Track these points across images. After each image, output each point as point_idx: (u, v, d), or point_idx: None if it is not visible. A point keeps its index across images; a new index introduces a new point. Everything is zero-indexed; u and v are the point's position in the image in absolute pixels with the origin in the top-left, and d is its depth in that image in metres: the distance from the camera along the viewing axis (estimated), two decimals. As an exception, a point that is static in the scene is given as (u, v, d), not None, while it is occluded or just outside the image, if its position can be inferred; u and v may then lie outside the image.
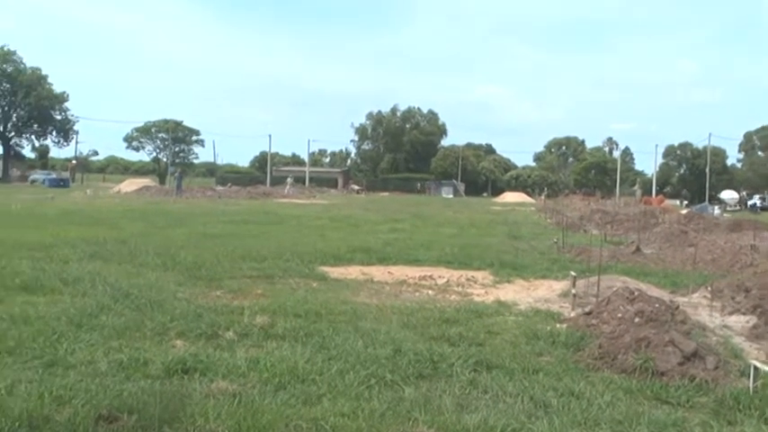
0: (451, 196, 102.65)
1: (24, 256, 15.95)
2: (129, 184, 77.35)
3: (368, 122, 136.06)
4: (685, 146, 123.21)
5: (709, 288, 13.64)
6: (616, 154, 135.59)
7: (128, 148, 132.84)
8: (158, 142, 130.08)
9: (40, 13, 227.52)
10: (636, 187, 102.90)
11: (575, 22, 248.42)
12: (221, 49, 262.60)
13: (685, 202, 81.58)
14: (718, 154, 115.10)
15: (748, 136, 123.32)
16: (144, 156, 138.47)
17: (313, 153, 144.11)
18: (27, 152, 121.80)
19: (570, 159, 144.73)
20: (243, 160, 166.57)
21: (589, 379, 7.83)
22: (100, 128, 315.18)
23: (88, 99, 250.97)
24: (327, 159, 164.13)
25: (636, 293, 10.37)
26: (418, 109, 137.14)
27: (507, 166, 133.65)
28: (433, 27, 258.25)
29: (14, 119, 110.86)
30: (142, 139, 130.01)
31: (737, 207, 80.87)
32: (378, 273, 16.11)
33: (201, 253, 17.68)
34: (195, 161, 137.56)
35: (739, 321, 11.59)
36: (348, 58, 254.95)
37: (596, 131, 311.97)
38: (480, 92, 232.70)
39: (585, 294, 12.67)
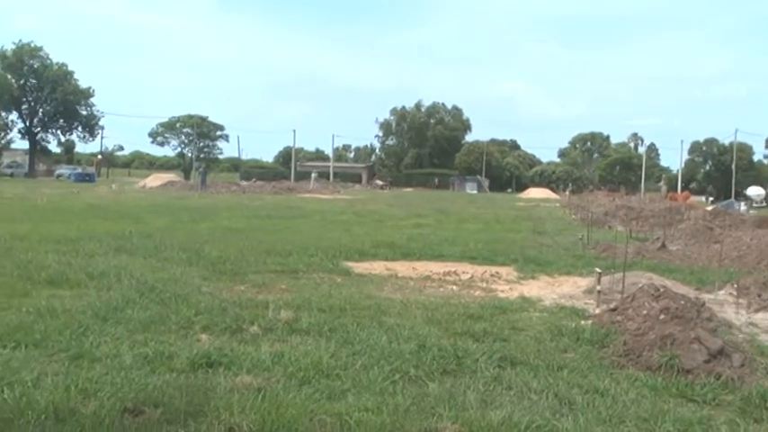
0: (475, 192, 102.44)
1: (50, 249, 16.07)
2: (154, 179, 77.81)
3: (392, 118, 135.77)
4: (711, 142, 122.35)
5: (735, 285, 13.53)
6: (641, 150, 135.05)
7: (153, 143, 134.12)
8: (183, 137, 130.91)
9: (66, 10, 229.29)
10: (661, 183, 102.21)
11: (599, 16, 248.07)
12: (246, 45, 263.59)
13: (711, 199, 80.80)
14: (745, 150, 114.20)
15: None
16: (169, 151, 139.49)
17: (337, 148, 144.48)
18: (53, 147, 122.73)
19: (595, 155, 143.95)
20: (267, 155, 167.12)
21: (614, 376, 7.78)
22: (125, 123, 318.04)
23: (114, 95, 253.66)
24: (352, 155, 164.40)
25: (661, 290, 10.28)
26: (442, 104, 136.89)
27: (532, 161, 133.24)
28: (457, 23, 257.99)
29: (41, 114, 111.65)
30: (167, 135, 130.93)
31: (764, 203, 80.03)
32: (402, 268, 16.09)
33: (226, 247, 17.72)
34: (220, 156, 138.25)
35: (766, 318, 11.50)
36: (373, 54, 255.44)
37: (621, 127, 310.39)
38: (505, 87, 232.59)
39: (610, 291, 12.60)
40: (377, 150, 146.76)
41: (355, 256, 17.45)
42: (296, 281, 13.69)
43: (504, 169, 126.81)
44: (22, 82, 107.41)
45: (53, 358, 7.59)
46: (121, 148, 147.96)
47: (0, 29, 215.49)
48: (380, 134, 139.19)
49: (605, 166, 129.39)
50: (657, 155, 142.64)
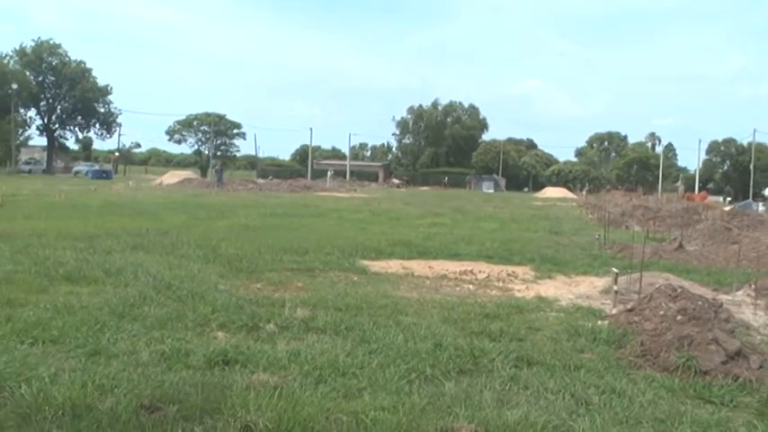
0: (492, 191, 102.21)
1: (68, 246, 16.14)
2: (171, 177, 78.22)
3: (409, 116, 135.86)
4: (729, 142, 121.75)
5: (754, 286, 13.44)
6: (659, 149, 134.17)
7: (170, 140, 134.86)
8: (200, 135, 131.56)
9: (85, 8, 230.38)
10: (678, 183, 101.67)
11: (616, 14, 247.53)
12: (263, 43, 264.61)
13: (729, 199, 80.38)
14: (763, 150, 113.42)
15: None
16: (186, 148, 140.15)
17: (354, 147, 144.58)
18: (71, 144, 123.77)
19: (612, 155, 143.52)
20: (284, 153, 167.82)
21: (631, 377, 7.76)
22: (142, 120, 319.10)
23: (131, 92, 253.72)
24: (368, 153, 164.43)
25: (678, 291, 10.24)
26: (459, 103, 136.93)
27: (549, 161, 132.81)
28: (474, 21, 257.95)
29: (59, 111, 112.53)
30: (184, 132, 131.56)
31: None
32: (418, 267, 16.08)
33: (242, 245, 17.75)
34: (237, 154, 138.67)
35: (784, 320, 11.43)
36: (390, 52, 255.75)
37: (638, 126, 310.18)
38: (522, 86, 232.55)
39: (627, 291, 12.57)
40: (393, 149, 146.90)
41: (372, 255, 17.43)
42: (312, 279, 13.70)
43: (521, 168, 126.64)
44: (40, 79, 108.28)
45: (70, 354, 7.62)
46: (138, 146, 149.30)
47: (20, 26, 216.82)
48: (397, 132, 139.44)
49: (622, 166, 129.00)
50: (675, 155, 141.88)
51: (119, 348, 7.88)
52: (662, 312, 9.54)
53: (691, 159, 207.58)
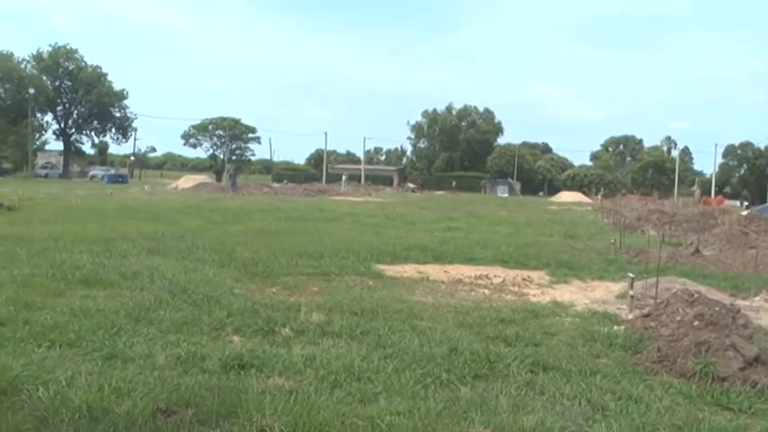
0: (507, 195, 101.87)
1: (84, 250, 16.21)
2: (186, 181, 78.38)
3: (423, 120, 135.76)
4: (746, 145, 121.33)
5: (772, 291, 13.39)
6: (674, 153, 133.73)
7: (185, 144, 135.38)
8: (215, 139, 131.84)
9: (101, 13, 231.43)
10: (694, 187, 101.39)
11: (631, 18, 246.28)
12: (278, 47, 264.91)
13: (746, 203, 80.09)
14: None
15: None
16: (201, 153, 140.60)
17: (368, 151, 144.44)
18: (87, 148, 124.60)
19: (628, 159, 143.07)
20: (299, 158, 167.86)
21: (647, 383, 7.72)
22: (158, 125, 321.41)
23: (147, 97, 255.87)
24: (383, 157, 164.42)
25: (695, 296, 10.19)
26: (474, 107, 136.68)
27: (564, 165, 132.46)
28: (489, 25, 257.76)
29: (75, 116, 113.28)
30: (199, 137, 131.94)
31: (800, 209, 79.19)
32: (433, 271, 16.05)
33: (258, 249, 17.76)
34: (252, 158, 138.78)
35: (802, 326, 11.34)
36: (404, 57, 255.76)
37: (654, 130, 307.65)
38: (536, 90, 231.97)
39: (643, 296, 12.50)
40: (408, 153, 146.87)
41: (387, 259, 17.42)
42: (328, 283, 13.71)
43: (536, 172, 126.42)
44: (57, 84, 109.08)
45: (87, 358, 7.65)
46: (154, 150, 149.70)
47: (36, 31, 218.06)
48: (412, 137, 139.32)
49: (638, 170, 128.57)
50: (691, 158, 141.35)
51: (135, 352, 7.91)
52: (679, 318, 9.49)
53: (707, 163, 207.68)
